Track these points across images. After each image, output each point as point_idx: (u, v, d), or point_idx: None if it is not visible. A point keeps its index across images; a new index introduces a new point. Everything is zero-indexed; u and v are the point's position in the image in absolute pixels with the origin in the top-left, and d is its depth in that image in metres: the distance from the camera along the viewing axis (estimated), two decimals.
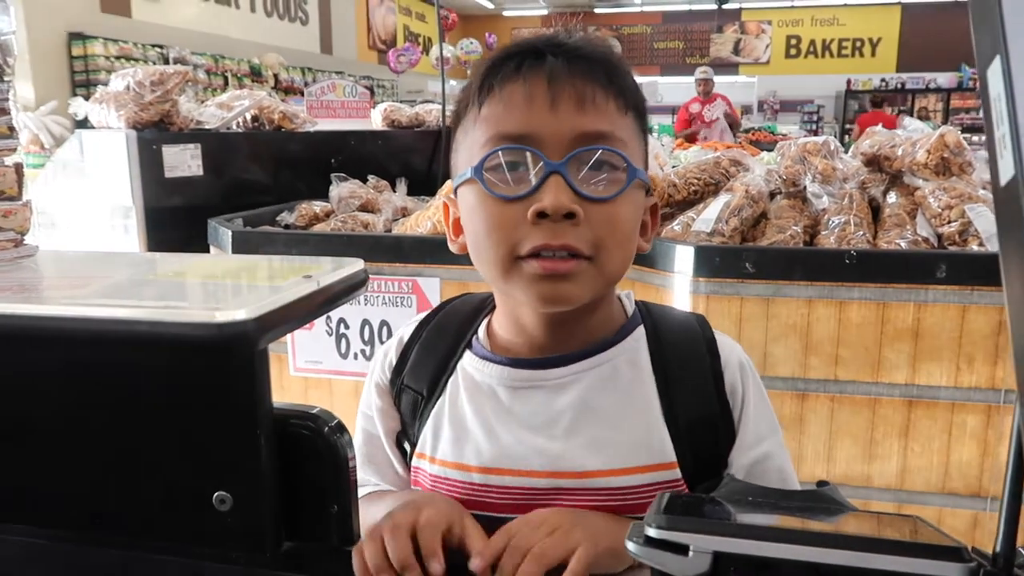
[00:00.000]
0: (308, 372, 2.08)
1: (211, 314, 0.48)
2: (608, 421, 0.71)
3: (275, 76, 9.99)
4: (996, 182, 0.34)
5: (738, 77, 15.16)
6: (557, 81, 0.66)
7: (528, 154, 0.66)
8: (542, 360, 0.73)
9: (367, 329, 2.02)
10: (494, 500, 0.71)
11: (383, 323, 2.00)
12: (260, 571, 0.56)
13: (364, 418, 0.82)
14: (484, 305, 0.80)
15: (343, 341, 2.03)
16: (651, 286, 1.84)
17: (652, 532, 0.42)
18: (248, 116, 2.82)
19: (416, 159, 3.03)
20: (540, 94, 0.66)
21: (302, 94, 11.24)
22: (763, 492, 0.48)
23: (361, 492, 0.76)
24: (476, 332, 0.78)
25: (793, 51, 15.45)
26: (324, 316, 2.08)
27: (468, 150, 0.70)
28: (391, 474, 0.81)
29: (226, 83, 8.98)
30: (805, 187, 2.04)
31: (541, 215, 0.64)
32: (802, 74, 14.94)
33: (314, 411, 0.60)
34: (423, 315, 0.84)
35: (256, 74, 9.56)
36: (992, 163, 0.34)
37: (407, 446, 0.78)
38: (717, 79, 7.53)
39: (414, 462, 0.77)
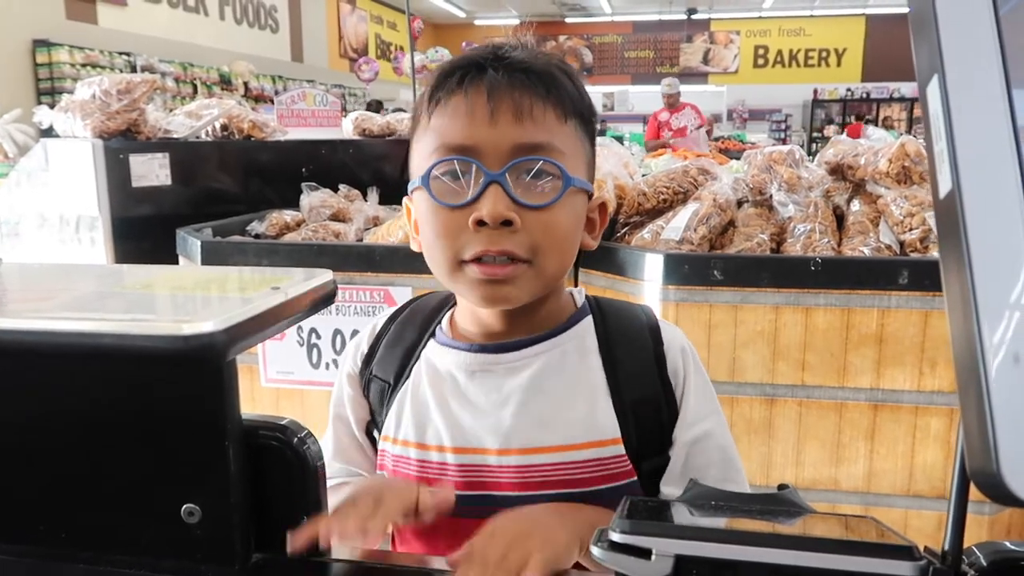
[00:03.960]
0: (280, 383, 2.07)
1: (178, 326, 0.48)
2: (556, 401, 0.76)
3: (245, 84, 9.91)
4: (936, 194, 0.35)
5: (707, 86, 15.36)
6: (496, 94, 0.70)
7: (470, 164, 0.70)
8: (496, 346, 0.78)
9: (339, 339, 2.02)
10: (450, 478, 0.76)
11: (355, 333, 1.99)
12: None
13: (336, 407, 0.86)
14: (449, 299, 0.86)
15: (314, 351, 2.02)
16: (622, 294, 1.85)
17: (616, 536, 0.43)
18: (217, 125, 2.80)
19: (388, 168, 3.02)
20: (480, 107, 0.70)
21: (272, 102, 11.09)
22: (725, 496, 0.50)
23: (330, 483, 0.78)
24: (440, 323, 0.84)
25: (761, 61, 15.68)
26: (295, 327, 2.07)
27: (419, 158, 0.75)
28: (363, 463, 0.85)
29: (195, 91, 8.90)
30: (771, 195, 2.07)
31: (481, 223, 0.69)
32: (770, 83, 15.17)
33: (283, 422, 0.60)
34: (393, 309, 0.89)
35: (226, 82, 9.48)
36: (932, 176, 0.36)
37: (376, 434, 0.83)
38: (687, 88, 7.62)
39: (380, 445, 0.82)
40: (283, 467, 0.58)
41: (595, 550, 0.43)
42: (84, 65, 7.13)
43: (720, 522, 0.47)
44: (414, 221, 0.79)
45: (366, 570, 0.61)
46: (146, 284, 0.65)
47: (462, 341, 0.80)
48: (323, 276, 0.65)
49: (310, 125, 3.24)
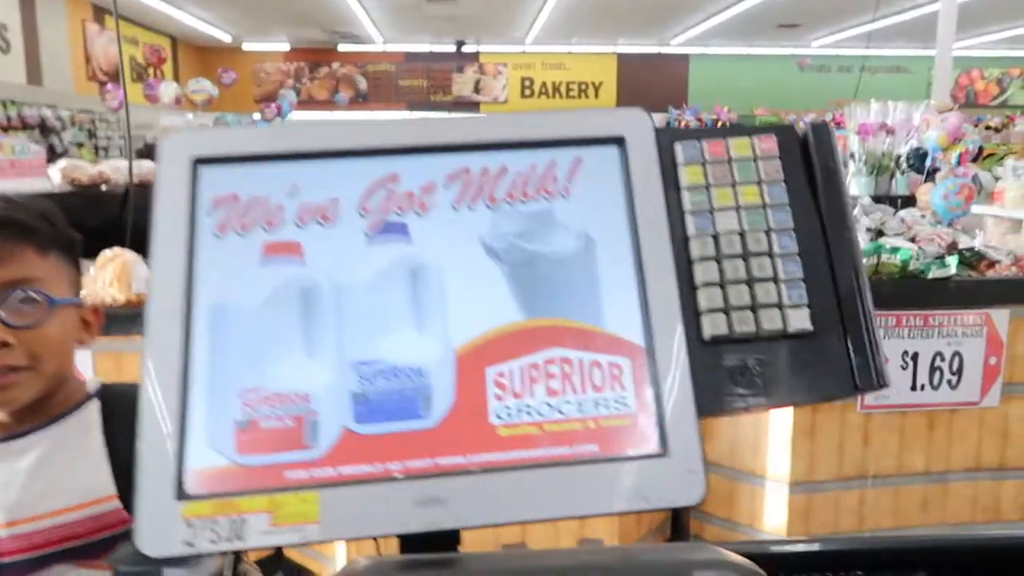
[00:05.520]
0: None
1: None
2: (60, 474, 0.93)
3: None
4: None
5: (480, 114, 16.07)
6: None
7: None
8: (5, 436, 0.95)
9: None
10: None
11: None
12: None
13: None
14: None
15: None
16: None
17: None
18: None
19: (95, 220, 2.97)
20: None
21: (5, 130, 10.05)
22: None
23: None
24: None
25: (528, 92, 16.68)
26: None
27: None
28: None
29: None
30: None
31: None
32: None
33: None
34: None
35: None
36: None
37: None
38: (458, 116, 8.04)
39: None
40: None
41: None
42: None
43: None
44: None
45: None
46: None
47: None
48: None
49: (9, 176, 3.11)
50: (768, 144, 0.57)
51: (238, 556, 0.66)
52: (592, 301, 0.55)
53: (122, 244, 2.86)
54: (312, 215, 0.54)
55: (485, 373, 0.53)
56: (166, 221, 0.53)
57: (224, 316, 0.53)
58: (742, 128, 0.58)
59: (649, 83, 16.36)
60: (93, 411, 1.00)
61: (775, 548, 0.75)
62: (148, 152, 8.04)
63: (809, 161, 0.58)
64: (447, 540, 0.56)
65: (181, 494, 0.50)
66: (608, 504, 0.52)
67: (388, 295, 0.54)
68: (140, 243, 2.84)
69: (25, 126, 9.73)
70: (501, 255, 0.55)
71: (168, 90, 10.34)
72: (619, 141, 0.58)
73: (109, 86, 9.77)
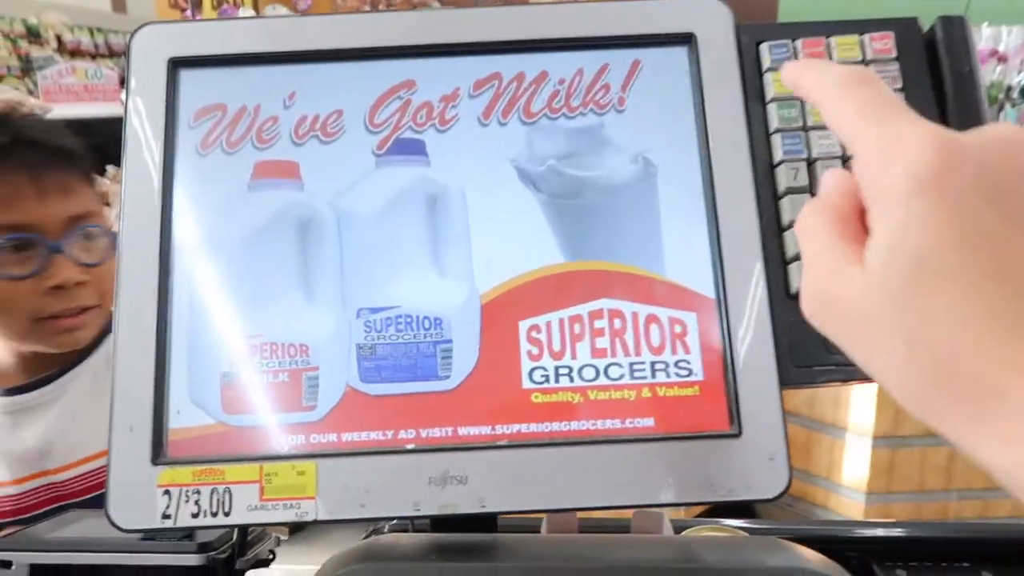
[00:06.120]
0: None
1: None
2: (96, 414, 0.85)
3: (58, 37, 9.15)
4: None
5: (515, 7, 15.59)
6: (39, 175, 0.79)
7: (28, 239, 0.79)
8: (30, 384, 0.87)
9: None
10: (28, 503, 0.85)
11: None
12: None
13: None
14: None
15: None
16: None
17: None
18: None
19: None
20: (25, 187, 0.79)
21: (93, 57, 10.31)
22: None
23: None
24: None
25: None
26: None
27: None
28: None
29: None
30: None
31: (57, 287, 0.80)
32: None
33: None
34: None
35: (34, 35, 8.69)
36: None
37: None
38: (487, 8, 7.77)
39: None
40: None
41: None
42: None
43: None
44: None
45: None
46: None
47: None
48: None
49: (84, 100, 3.12)
50: (884, 43, 0.45)
51: None
52: (650, 241, 0.44)
53: None
54: (312, 130, 0.45)
55: (517, 327, 0.44)
56: (139, 136, 0.44)
57: (208, 250, 0.45)
58: (850, 23, 0.45)
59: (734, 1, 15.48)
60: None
61: (861, 531, 0.65)
62: None
63: (937, 65, 0.45)
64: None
65: (158, 457, 0.42)
66: (664, 493, 0.42)
67: (401, 228, 0.44)
68: None
69: (112, 53, 9.91)
70: (539, 182, 0.44)
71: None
72: (688, 39, 0.46)
73: (188, 12, 9.86)
